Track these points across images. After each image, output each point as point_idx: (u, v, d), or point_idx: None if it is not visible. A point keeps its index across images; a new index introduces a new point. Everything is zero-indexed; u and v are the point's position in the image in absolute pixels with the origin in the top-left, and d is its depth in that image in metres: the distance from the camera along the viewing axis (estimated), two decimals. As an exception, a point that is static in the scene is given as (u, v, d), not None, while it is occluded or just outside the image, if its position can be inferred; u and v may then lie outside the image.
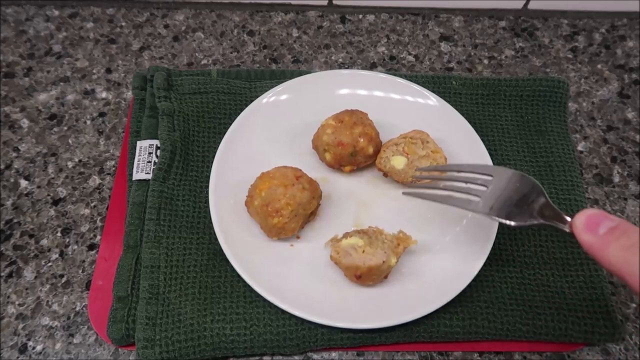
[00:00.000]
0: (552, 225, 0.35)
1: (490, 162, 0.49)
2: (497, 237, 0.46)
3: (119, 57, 0.60)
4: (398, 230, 0.44)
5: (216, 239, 0.45)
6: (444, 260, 0.45)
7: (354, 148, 0.47)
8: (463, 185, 0.40)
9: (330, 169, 0.50)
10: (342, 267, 0.43)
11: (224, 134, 0.50)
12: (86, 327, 0.45)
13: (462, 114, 0.52)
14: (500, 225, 0.47)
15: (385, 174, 0.49)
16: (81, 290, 0.46)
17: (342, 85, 0.54)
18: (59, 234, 0.49)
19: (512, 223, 0.36)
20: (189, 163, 0.50)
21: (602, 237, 0.29)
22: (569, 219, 0.34)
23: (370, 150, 0.48)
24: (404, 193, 0.44)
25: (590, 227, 0.29)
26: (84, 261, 0.48)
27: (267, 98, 0.53)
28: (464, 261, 0.44)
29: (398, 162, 0.47)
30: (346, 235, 0.44)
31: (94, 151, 0.54)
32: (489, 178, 0.39)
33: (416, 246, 0.44)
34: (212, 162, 0.48)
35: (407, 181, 0.48)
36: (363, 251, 0.42)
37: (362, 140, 0.47)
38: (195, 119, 0.52)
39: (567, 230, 0.33)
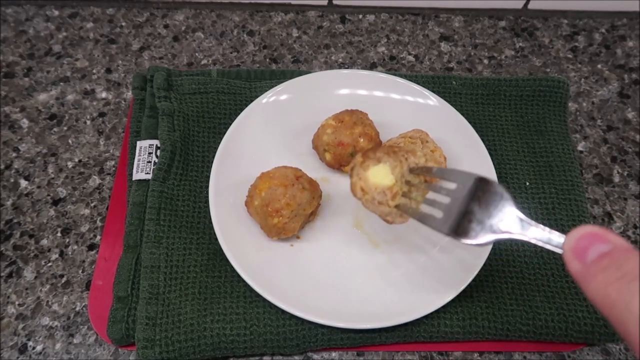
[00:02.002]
0: (530, 241, 0.29)
1: (490, 162, 0.49)
2: (497, 237, 0.46)
3: (119, 57, 0.60)
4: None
5: (216, 239, 0.45)
6: (444, 260, 0.45)
7: (354, 148, 0.47)
8: (431, 197, 0.35)
9: (330, 169, 0.50)
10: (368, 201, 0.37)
11: (224, 134, 0.50)
12: (86, 327, 0.45)
13: (462, 114, 0.52)
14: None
15: (385, 174, 0.49)
16: (81, 290, 0.46)
17: (342, 85, 0.54)
18: (59, 234, 0.49)
19: (473, 242, 0.31)
20: (189, 163, 0.50)
21: (588, 266, 0.23)
22: (560, 239, 0.28)
23: (370, 150, 0.48)
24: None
25: (579, 252, 0.23)
26: (84, 261, 0.48)
27: (267, 98, 0.53)
28: (464, 261, 0.44)
29: (398, 162, 0.47)
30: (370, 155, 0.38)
31: (94, 151, 0.54)
32: (453, 187, 0.34)
33: (416, 247, 0.44)
34: (212, 162, 0.48)
35: (407, 181, 0.48)
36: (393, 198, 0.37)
37: (362, 140, 0.47)
38: (195, 119, 0.52)
39: (557, 250, 0.27)
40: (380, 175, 0.37)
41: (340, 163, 0.49)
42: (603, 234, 0.23)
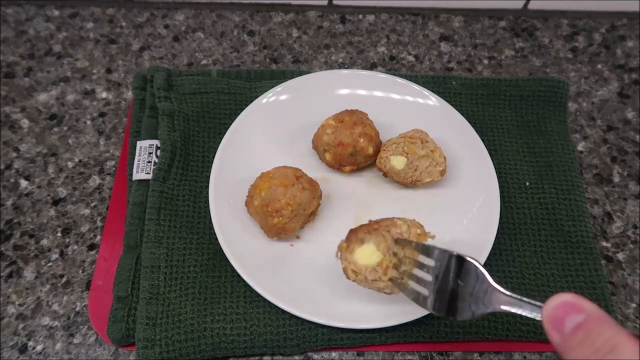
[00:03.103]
0: (513, 313, 0.30)
1: (490, 162, 0.49)
2: (497, 237, 0.46)
3: (119, 57, 0.60)
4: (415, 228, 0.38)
5: (216, 239, 0.45)
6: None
7: (354, 148, 0.47)
8: (417, 274, 0.36)
9: (330, 169, 0.50)
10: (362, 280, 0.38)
11: (224, 134, 0.50)
12: (86, 327, 0.45)
13: (462, 114, 0.52)
14: (501, 225, 0.48)
15: (385, 174, 0.49)
16: (81, 290, 0.46)
17: (342, 85, 0.54)
18: (59, 234, 0.49)
19: (461, 319, 0.33)
20: (189, 163, 0.50)
21: (566, 338, 0.24)
22: (537, 310, 0.29)
23: (370, 150, 0.48)
24: None
25: (556, 323, 0.24)
26: (84, 261, 0.48)
27: (267, 98, 0.53)
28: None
29: (398, 162, 0.47)
30: (355, 237, 0.38)
31: (94, 151, 0.54)
32: (432, 264, 0.35)
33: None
34: (212, 162, 0.48)
35: (406, 181, 0.48)
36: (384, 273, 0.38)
37: (362, 140, 0.47)
38: (195, 119, 0.52)
39: (536, 318, 0.29)
40: (367, 254, 0.38)
41: (340, 163, 0.49)
42: (577, 303, 0.24)
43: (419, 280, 0.35)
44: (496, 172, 0.49)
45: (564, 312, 0.24)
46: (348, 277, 0.38)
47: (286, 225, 0.44)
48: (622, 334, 0.22)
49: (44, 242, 0.49)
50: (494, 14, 0.66)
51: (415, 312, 0.42)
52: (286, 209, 0.43)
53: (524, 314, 0.30)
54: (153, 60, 0.60)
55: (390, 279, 0.37)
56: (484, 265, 0.44)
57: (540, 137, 0.54)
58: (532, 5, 0.65)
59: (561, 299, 0.25)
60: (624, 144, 0.56)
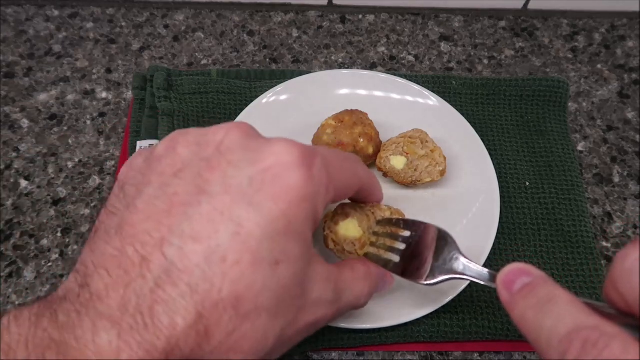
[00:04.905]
0: (471, 279, 0.35)
1: (490, 162, 0.49)
2: (497, 237, 0.46)
3: (119, 57, 0.60)
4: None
5: (216, 239, 0.45)
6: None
7: (354, 148, 0.47)
8: (391, 245, 0.39)
9: (330, 169, 0.50)
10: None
11: (224, 134, 0.50)
12: (86, 327, 0.45)
13: (462, 114, 0.52)
14: (501, 225, 0.48)
15: (385, 174, 0.49)
16: (81, 290, 0.46)
17: (342, 85, 0.54)
18: (59, 234, 0.49)
19: (424, 282, 0.36)
20: (189, 163, 0.50)
21: (514, 295, 0.27)
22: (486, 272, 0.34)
23: (370, 150, 0.48)
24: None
25: (507, 284, 0.27)
26: (84, 261, 0.48)
27: (267, 98, 0.53)
28: (464, 261, 0.44)
29: (398, 163, 0.47)
30: (341, 212, 0.41)
31: (94, 151, 0.54)
32: (407, 234, 0.38)
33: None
34: (212, 162, 0.48)
35: (406, 181, 0.48)
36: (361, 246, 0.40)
37: (362, 140, 0.47)
38: (195, 119, 0.52)
39: (492, 285, 0.33)
40: (349, 228, 0.40)
41: (340, 163, 0.49)
42: (527, 269, 0.27)
43: (392, 250, 0.38)
44: (496, 172, 0.49)
45: (515, 275, 0.27)
46: (327, 246, 0.41)
47: (286, 225, 0.44)
48: (560, 288, 0.25)
49: (44, 242, 0.49)
50: (494, 14, 0.66)
51: (415, 312, 0.42)
52: (286, 209, 0.43)
53: (481, 281, 0.34)
54: (153, 60, 0.60)
55: (366, 255, 0.40)
56: (484, 266, 0.44)
57: (540, 137, 0.54)
58: (532, 5, 0.65)
59: (514, 266, 0.28)
60: (624, 144, 0.56)
